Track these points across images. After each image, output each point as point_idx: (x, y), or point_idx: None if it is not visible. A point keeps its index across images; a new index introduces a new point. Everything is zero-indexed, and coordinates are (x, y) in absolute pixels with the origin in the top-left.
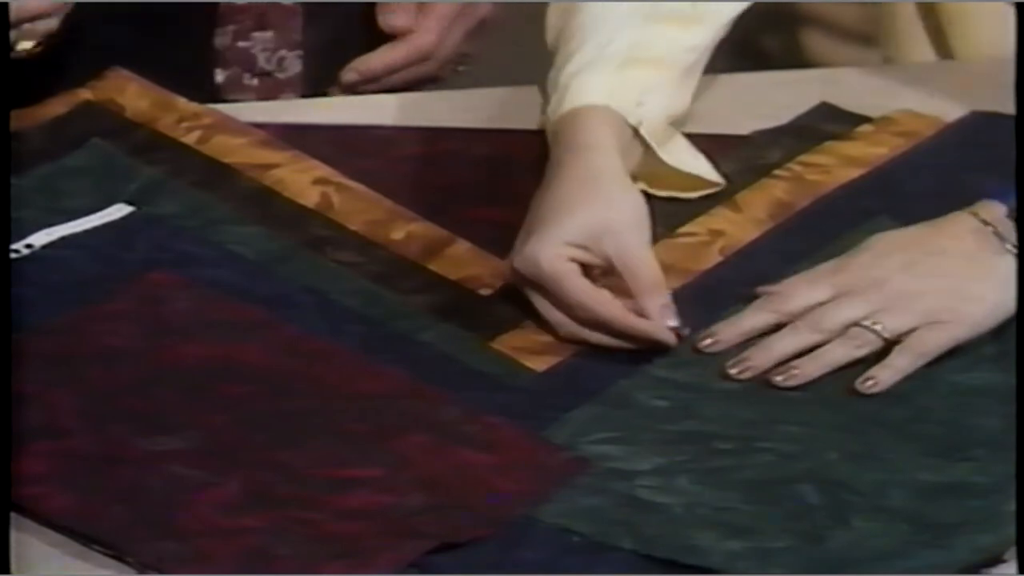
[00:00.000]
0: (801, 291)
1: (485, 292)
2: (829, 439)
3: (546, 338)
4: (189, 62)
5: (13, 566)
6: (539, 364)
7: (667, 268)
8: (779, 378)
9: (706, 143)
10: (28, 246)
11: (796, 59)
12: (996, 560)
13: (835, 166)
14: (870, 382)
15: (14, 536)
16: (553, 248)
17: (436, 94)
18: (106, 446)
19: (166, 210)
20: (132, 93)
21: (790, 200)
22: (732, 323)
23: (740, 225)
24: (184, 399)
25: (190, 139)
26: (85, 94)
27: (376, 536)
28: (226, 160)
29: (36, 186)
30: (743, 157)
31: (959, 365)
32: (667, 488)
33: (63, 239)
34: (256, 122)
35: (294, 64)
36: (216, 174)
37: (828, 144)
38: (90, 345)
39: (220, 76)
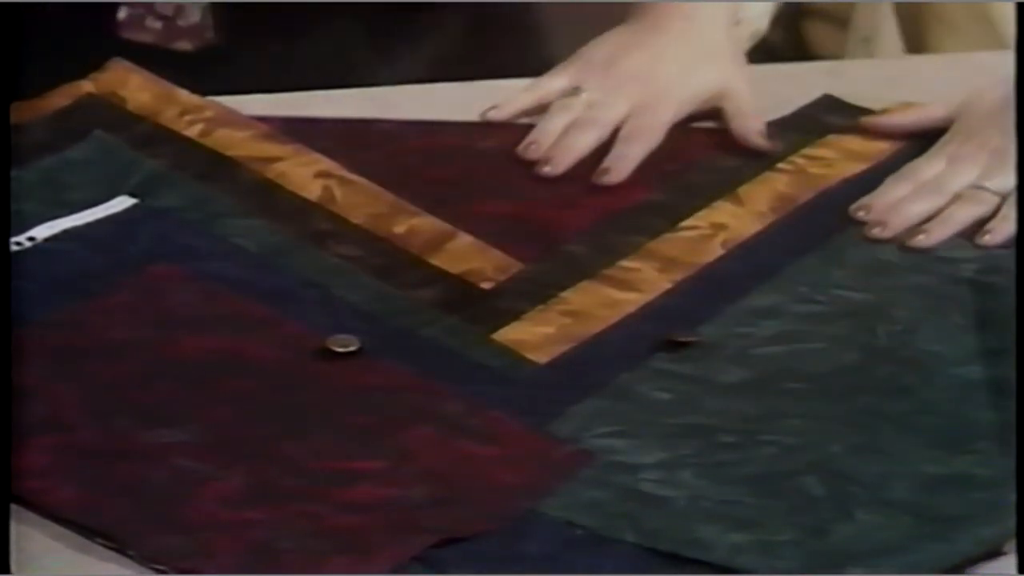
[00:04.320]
0: (925, 164)
1: (487, 286)
2: (832, 432)
3: (548, 331)
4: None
5: (14, 561)
6: (541, 357)
7: (669, 261)
8: (920, 237)
9: (709, 136)
10: (30, 239)
11: (799, 51)
12: (996, 552)
13: (837, 160)
14: (989, 236)
15: (16, 530)
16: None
17: (438, 87)
18: (108, 439)
19: (168, 203)
20: (134, 86)
21: (792, 193)
22: (880, 195)
23: (742, 218)
24: (187, 392)
25: (192, 132)
26: (87, 87)
27: (379, 530)
28: (228, 153)
29: (38, 179)
30: (745, 150)
31: (960, 358)
32: (671, 482)
33: (65, 232)
34: (259, 115)
35: (192, 13)
36: (218, 167)
37: (830, 138)
38: (92, 338)
39: (123, 13)
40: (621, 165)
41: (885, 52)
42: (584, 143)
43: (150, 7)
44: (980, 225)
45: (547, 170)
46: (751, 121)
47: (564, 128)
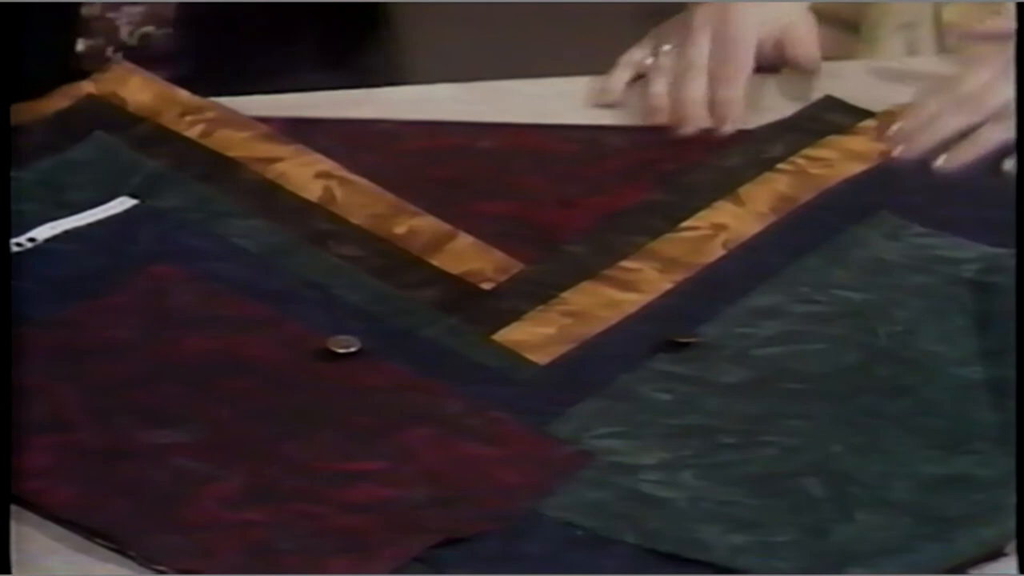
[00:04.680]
0: (970, 74)
1: (488, 286)
2: (833, 432)
3: (548, 331)
4: (52, 29)
5: (14, 561)
6: (542, 357)
7: (670, 262)
8: (940, 161)
9: (710, 137)
10: (31, 239)
11: None
12: (997, 553)
13: (838, 160)
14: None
15: (16, 530)
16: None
17: (439, 87)
18: (109, 440)
19: (169, 203)
20: (135, 86)
21: (793, 194)
22: (913, 109)
23: (743, 219)
24: (187, 392)
25: (193, 132)
26: (88, 87)
27: (380, 530)
28: (229, 154)
29: (39, 179)
30: (746, 151)
31: (961, 359)
32: (671, 482)
33: (66, 232)
34: (259, 116)
35: (159, 42)
36: (219, 168)
37: (831, 138)
38: (93, 338)
39: (81, 45)
40: (731, 109)
41: (927, 44)
42: (695, 93)
43: (112, 36)
44: (1007, 153)
45: (687, 130)
46: (810, 49)
47: (668, 88)
